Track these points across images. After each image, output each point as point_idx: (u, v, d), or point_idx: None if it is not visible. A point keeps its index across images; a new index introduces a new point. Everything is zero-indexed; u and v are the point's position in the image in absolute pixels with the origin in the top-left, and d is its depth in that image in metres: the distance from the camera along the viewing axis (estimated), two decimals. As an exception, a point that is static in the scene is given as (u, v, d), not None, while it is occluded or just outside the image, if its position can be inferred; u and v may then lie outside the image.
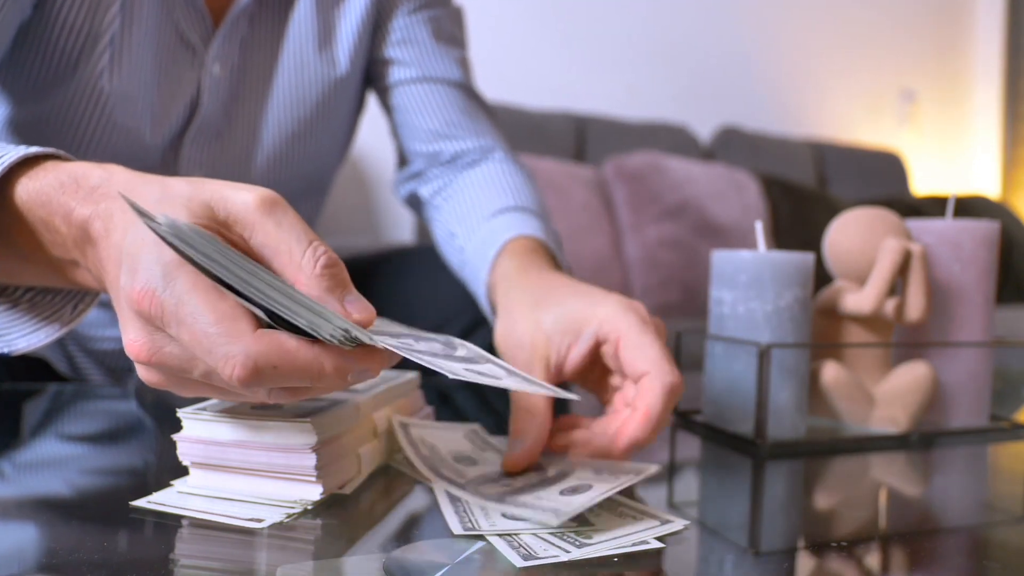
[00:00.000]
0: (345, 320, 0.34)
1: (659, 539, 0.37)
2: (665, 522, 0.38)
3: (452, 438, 0.50)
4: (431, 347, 0.38)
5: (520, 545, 0.35)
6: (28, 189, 0.42)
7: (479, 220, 0.74)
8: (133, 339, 0.35)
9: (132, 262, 0.34)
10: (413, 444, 0.47)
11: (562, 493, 0.39)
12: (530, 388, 0.36)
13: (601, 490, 0.39)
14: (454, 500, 0.41)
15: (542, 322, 0.50)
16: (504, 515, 0.38)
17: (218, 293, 0.33)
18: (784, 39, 2.94)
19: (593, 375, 0.52)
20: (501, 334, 0.53)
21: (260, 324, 0.34)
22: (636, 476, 0.39)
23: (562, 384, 0.51)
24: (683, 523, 0.38)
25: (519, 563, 0.33)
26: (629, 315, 0.48)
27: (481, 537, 0.36)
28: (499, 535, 0.36)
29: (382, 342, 0.34)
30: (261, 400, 0.36)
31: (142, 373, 0.37)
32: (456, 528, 0.37)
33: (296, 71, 0.75)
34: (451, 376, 0.34)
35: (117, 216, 0.38)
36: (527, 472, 0.44)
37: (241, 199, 0.36)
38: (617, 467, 0.42)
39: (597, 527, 0.37)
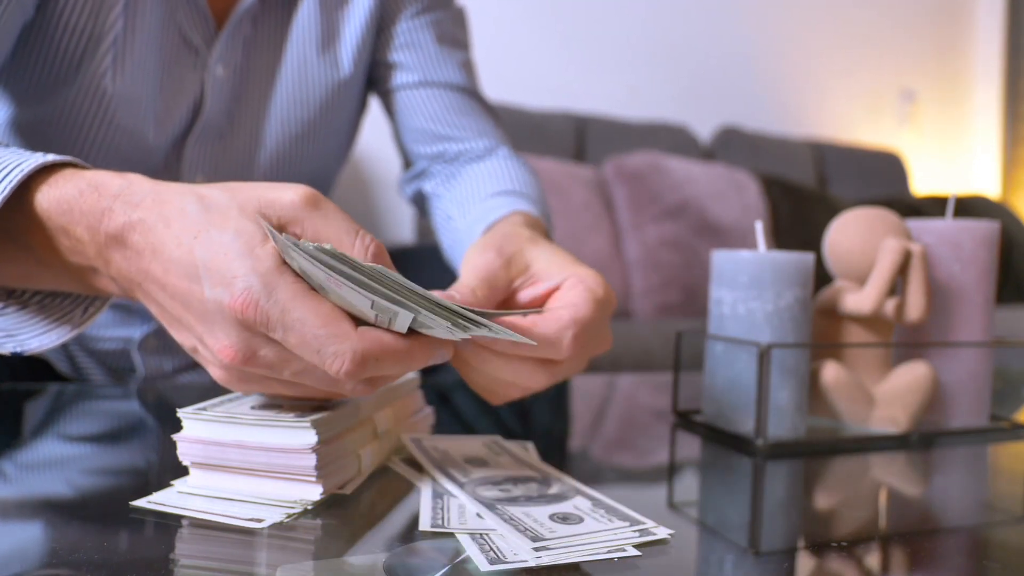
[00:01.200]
0: (482, 319, 0.37)
1: (638, 547, 0.35)
2: (647, 531, 0.37)
3: (468, 445, 0.50)
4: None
5: (491, 548, 0.34)
6: (48, 197, 0.42)
7: (475, 202, 0.74)
8: (228, 344, 0.37)
9: (221, 274, 0.36)
10: (425, 452, 0.47)
11: (551, 517, 0.38)
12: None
13: (591, 528, 0.37)
14: (436, 497, 0.41)
15: (505, 250, 0.50)
16: (479, 515, 0.38)
17: (317, 298, 0.36)
18: (784, 39, 2.94)
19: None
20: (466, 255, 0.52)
21: (358, 323, 0.37)
22: (639, 536, 0.36)
23: None
24: (666, 532, 0.37)
25: (485, 567, 0.32)
26: (599, 286, 0.47)
27: (451, 535, 0.36)
28: (469, 534, 0.36)
29: (479, 333, 0.37)
30: (346, 393, 0.39)
31: (220, 375, 0.39)
32: (425, 524, 0.37)
33: (299, 72, 0.75)
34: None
35: (159, 229, 0.39)
36: (529, 482, 0.44)
37: (288, 199, 0.39)
38: (623, 514, 0.39)
39: (575, 528, 0.36)
